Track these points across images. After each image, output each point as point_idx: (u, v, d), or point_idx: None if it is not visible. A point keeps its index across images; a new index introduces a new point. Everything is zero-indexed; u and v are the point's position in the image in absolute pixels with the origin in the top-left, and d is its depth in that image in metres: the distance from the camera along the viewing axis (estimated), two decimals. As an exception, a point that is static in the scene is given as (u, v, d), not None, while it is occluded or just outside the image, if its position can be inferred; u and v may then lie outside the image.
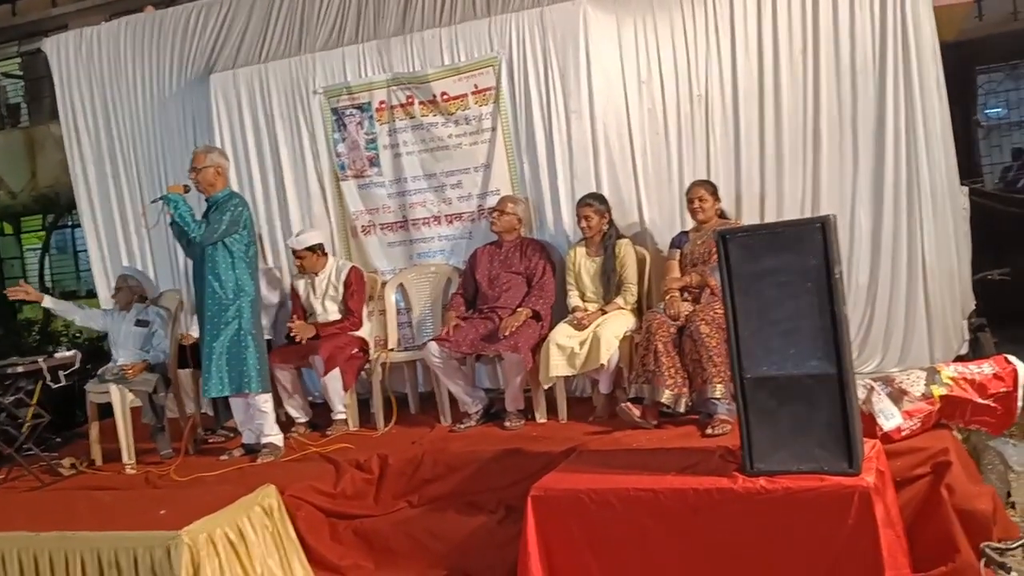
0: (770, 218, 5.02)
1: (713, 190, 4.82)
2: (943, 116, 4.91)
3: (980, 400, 3.76)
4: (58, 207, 13.75)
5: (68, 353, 5.12)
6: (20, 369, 4.86)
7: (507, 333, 4.82)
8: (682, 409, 4.35)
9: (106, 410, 5.17)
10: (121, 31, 6.47)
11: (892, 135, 4.86)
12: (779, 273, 3.28)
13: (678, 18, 5.19)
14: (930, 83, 4.84)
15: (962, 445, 3.97)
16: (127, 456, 4.94)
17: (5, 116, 15.17)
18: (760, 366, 3.32)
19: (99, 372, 5.31)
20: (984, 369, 3.83)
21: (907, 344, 4.91)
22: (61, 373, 4.93)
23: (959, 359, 4.80)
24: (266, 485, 4.14)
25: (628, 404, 4.41)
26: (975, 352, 5.23)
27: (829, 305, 3.23)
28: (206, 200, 4.86)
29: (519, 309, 4.98)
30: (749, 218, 5.05)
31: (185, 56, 6.27)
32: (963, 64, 9.30)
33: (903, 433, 3.73)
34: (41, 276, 14.17)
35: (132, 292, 5.42)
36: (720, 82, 5.14)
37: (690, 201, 4.81)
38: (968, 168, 8.32)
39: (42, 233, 14.59)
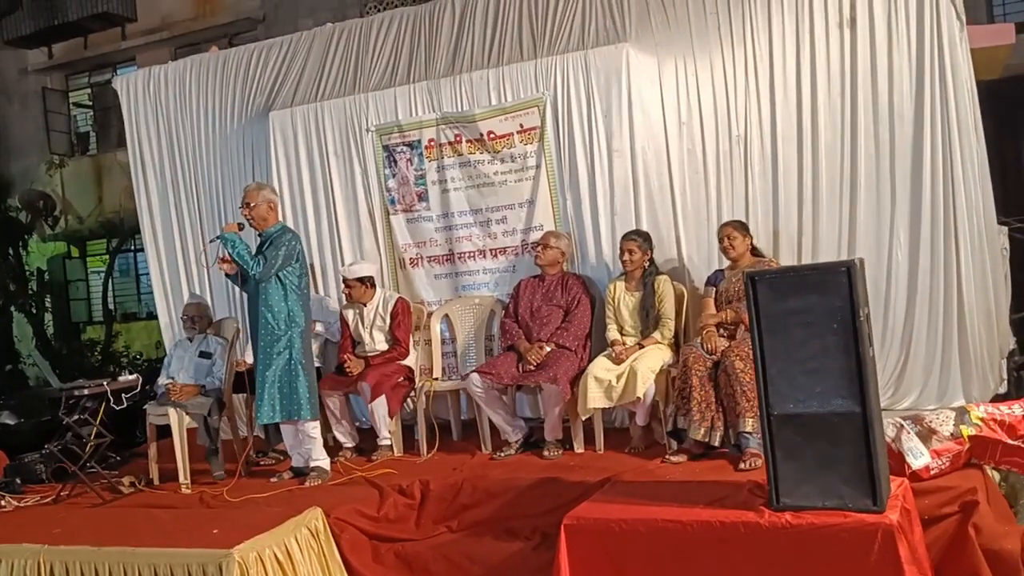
0: (807, 257, 5.10)
1: (742, 227, 4.91)
2: (980, 157, 4.98)
3: (1010, 441, 3.80)
4: (122, 232, 14.31)
5: (131, 377, 5.38)
6: (86, 391, 5.12)
7: (533, 366, 5.03)
8: (716, 443, 4.46)
9: (163, 431, 5.42)
10: (187, 70, 6.79)
11: (929, 175, 4.89)
12: (805, 314, 3.39)
13: (718, 60, 5.30)
14: (968, 124, 4.89)
15: (995, 485, 4.01)
16: (183, 476, 5.14)
17: (75, 144, 15.79)
18: (787, 403, 3.42)
19: (157, 395, 5.57)
20: (1015, 410, 3.88)
21: (943, 382, 4.92)
22: (124, 396, 5.19)
23: (997, 398, 4.82)
24: (313, 508, 4.31)
25: (668, 457, 4.56)
26: (1017, 391, 5.24)
27: (855, 346, 3.32)
28: (259, 235, 5.09)
29: (542, 343, 5.14)
30: (786, 257, 5.13)
31: (247, 94, 6.55)
32: (1014, 100, 9.26)
33: (932, 472, 3.78)
34: (105, 298, 14.71)
35: (209, 319, 5.74)
36: (759, 123, 5.24)
37: (720, 240, 4.90)
38: (1019, 205, 8.26)
39: (106, 256, 15.12)
